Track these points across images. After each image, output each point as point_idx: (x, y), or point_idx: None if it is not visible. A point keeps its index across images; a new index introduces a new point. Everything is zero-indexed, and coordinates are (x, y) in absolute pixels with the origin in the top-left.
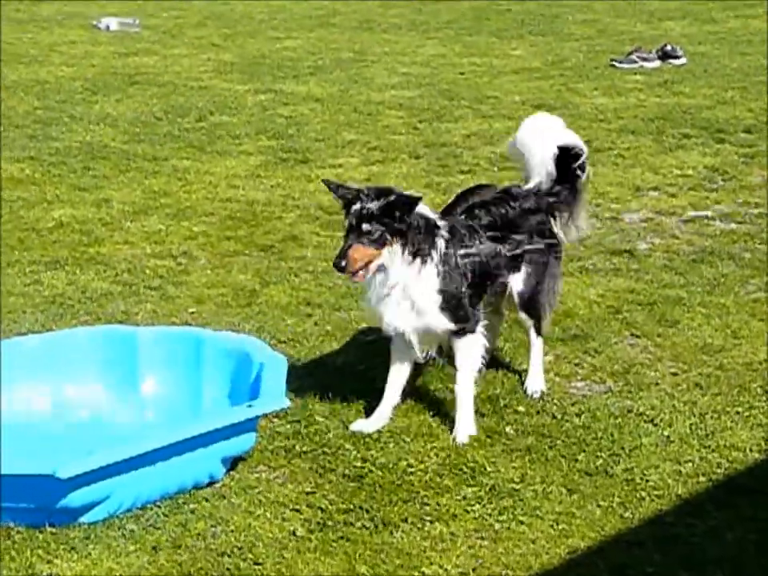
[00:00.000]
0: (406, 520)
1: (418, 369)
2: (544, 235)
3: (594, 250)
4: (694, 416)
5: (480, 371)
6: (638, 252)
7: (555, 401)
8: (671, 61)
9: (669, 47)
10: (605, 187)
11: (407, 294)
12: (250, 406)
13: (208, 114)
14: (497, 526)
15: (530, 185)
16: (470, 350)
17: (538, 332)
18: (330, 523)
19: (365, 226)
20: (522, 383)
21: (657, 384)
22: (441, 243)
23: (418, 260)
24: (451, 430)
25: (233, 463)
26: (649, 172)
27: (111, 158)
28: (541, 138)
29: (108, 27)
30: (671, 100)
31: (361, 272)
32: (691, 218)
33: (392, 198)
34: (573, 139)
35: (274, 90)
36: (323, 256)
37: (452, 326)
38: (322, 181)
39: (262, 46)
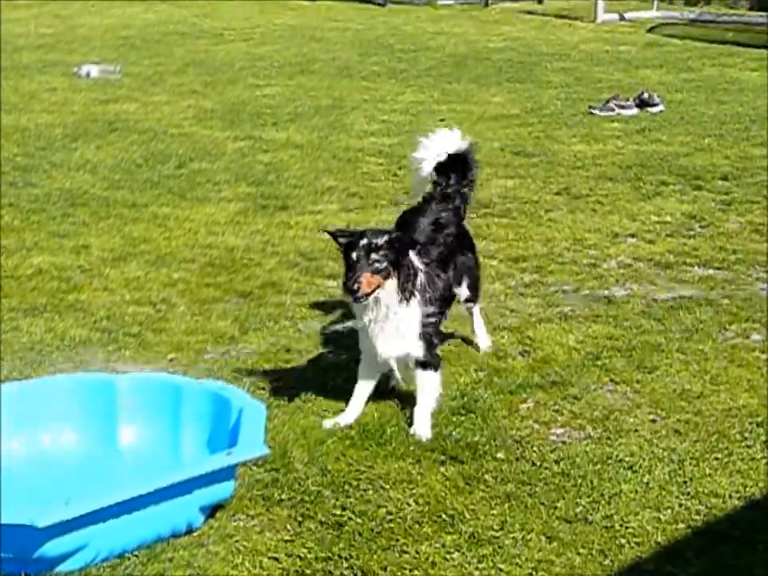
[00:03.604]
0: (385, 568)
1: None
2: (466, 238)
3: (572, 297)
4: (673, 462)
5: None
6: (617, 298)
7: (535, 447)
8: (648, 108)
9: (646, 95)
10: (583, 234)
11: (395, 323)
12: (228, 453)
13: (188, 161)
14: (476, 573)
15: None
16: (431, 386)
17: (475, 302)
18: (308, 572)
19: (373, 256)
20: (501, 428)
21: (636, 430)
22: (421, 281)
23: (407, 294)
24: (430, 477)
25: (211, 511)
26: (627, 219)
27: (91, 204)
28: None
29: (89, 74)
30: (649, 147)
31: (370, 297)
32: (669, 265)
33: (395, 234)
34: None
35: (254, 136)
36: (302, 302)
37: (424, 354)
38: (326, 231)
39: (242, 93)
